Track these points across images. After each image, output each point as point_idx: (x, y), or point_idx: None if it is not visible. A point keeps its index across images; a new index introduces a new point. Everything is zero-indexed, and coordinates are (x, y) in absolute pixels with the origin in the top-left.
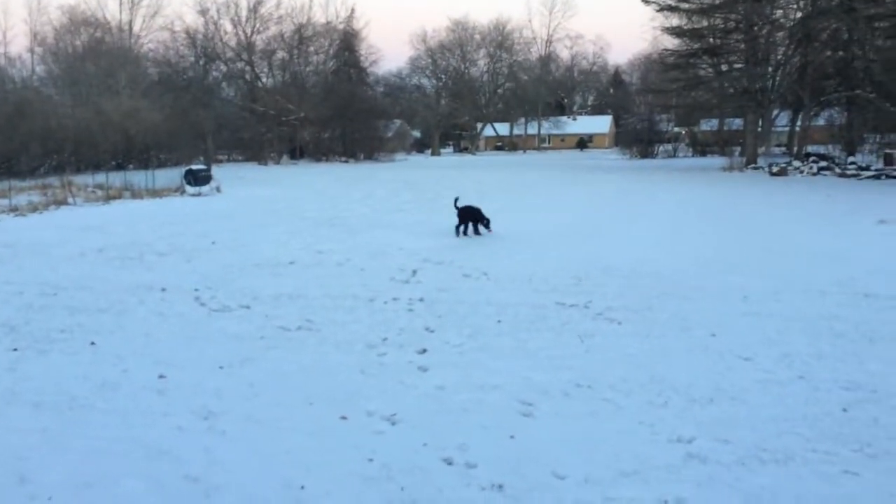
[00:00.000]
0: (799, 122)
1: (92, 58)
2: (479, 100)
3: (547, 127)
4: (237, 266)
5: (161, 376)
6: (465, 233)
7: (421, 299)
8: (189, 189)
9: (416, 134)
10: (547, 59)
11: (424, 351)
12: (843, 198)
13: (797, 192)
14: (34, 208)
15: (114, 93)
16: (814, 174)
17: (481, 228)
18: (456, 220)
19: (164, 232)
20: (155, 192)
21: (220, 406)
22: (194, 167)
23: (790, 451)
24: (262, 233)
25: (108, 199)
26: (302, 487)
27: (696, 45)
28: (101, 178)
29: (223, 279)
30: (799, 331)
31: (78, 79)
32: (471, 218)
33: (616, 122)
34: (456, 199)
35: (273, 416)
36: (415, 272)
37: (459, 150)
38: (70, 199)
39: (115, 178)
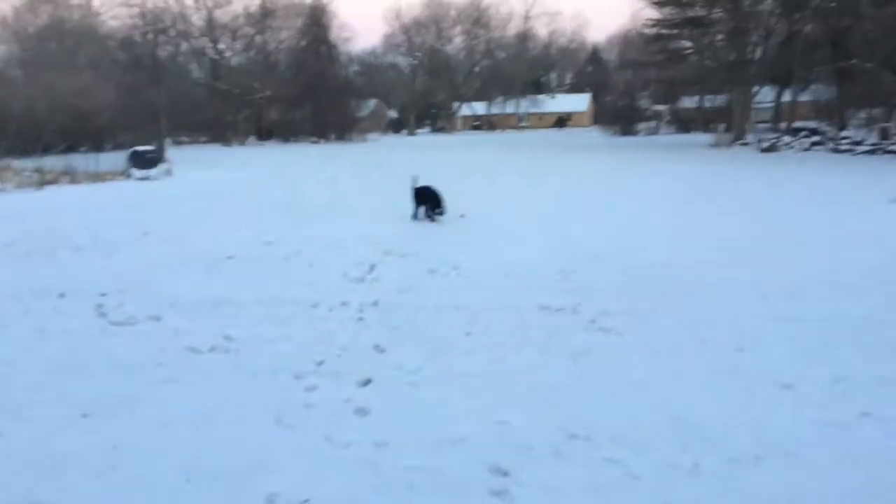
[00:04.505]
0: (788, 96)
1: (54, 36)
2: (456, 78)
3: (525, 105)
4: (164, 262)
5: None
6: (425, 216)
7: (375, 303)
8: (135, 172)
9: (393, 114)
10: (524, 36)
11: (368, 382)
12: (844, 174)
13: (793, 169)
14: None
15: (76, 73)
16: (805, 149)
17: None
18: (412, 204)
19: (91, 221)
20: (97, 177)
21: (51, 491)
22: (140, 149)
23: None
24: (205, 221)
25: (43, 184)
26: None
27: (680, 16)
28: (45, 161)
29: (141, 279)
30: (844, 341)
31: (39, 58)
32: (428, 200)
33: (595, 100)
34: (414, 179)
35: None
36: (373, 267)
37: (436, 129)
38: None
39: (58, 162)
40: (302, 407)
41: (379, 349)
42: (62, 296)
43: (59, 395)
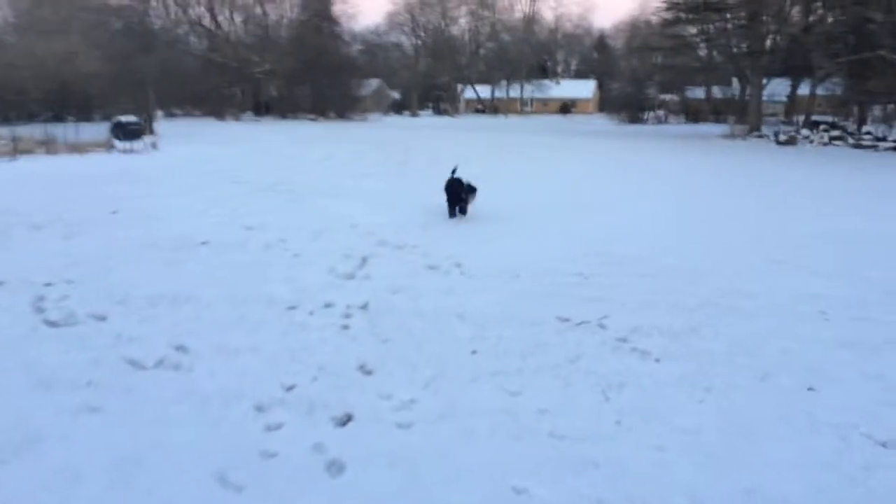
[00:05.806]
0: (807, 89)
1: (50, 2)
2: (460, 60)
3: (529, 90)
4: (128, 247)
5: None
6: (460, 212)
7: (364, 306)
8: (118, 144)
9: (396, 95)
10: (530, 20)
11: (347, 420)
12: (879, 172)
13: (815, 164)
14: None
15: (66, 40)
16: (825, 144)
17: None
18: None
19: (57, 196)
20: (77, 147)
21: None
22: (123, 119)
23: None
24: (184, 200)
25: (16, 153)
26: None
27: (696, 0)
28: (25, 130)
29: (97, 267)
30: None
31: (33, 25)
32: (458, 195)
33: (600, 87)
34: (454, 170)
35: None
36: (364, 260)
37: (439, 111)
38: None
39: (38, 131)
40: (257, 457)
41: (365, 370)
42: (0, 284)
43: None
